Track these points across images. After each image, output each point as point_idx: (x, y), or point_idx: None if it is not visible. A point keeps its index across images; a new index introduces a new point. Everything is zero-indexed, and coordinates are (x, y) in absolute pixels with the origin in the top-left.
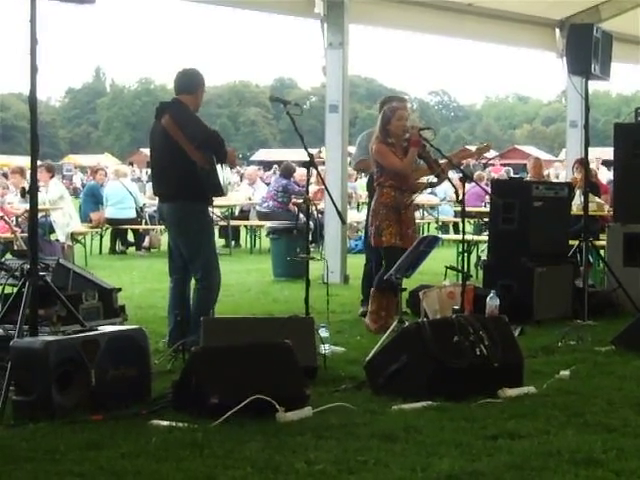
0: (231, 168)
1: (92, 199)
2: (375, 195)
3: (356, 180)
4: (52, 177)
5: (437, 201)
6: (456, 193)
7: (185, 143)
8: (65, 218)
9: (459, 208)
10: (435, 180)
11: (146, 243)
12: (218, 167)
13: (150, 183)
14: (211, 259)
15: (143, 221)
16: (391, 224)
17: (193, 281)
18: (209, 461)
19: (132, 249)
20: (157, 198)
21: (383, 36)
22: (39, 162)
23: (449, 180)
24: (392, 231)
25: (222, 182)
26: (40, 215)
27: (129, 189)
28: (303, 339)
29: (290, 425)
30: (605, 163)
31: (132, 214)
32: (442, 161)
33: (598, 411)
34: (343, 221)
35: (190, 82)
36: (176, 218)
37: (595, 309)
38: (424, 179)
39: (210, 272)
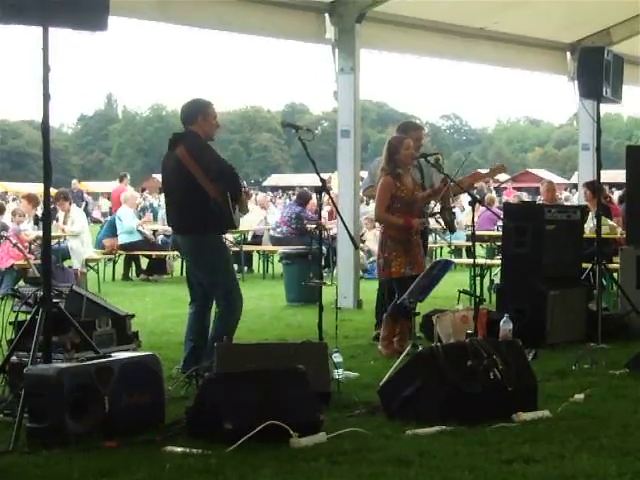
0: (242, 213)
1: (112, 229)
2: (382, 226)
3: (368, 204)
4: (70, 204)
5: None
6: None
7: (200, 175)
8: (83, 247)
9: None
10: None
11: None
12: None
13: (164, 210)
14: (231, 285)
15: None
16: (399, 255)
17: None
18: None
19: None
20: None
21: (394, 61)
22: (54, 189)
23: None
24: (401, 261)
25: (234, 215)
26: (54, 242)
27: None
28: (317, 364)
29: (304, 451)
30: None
31: (139, 237)
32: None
33: (613, 435)
34: (356, 246)
35: (187, 114)
36: (191, 250)
37: (609, 332)
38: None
39: (231, 297)
